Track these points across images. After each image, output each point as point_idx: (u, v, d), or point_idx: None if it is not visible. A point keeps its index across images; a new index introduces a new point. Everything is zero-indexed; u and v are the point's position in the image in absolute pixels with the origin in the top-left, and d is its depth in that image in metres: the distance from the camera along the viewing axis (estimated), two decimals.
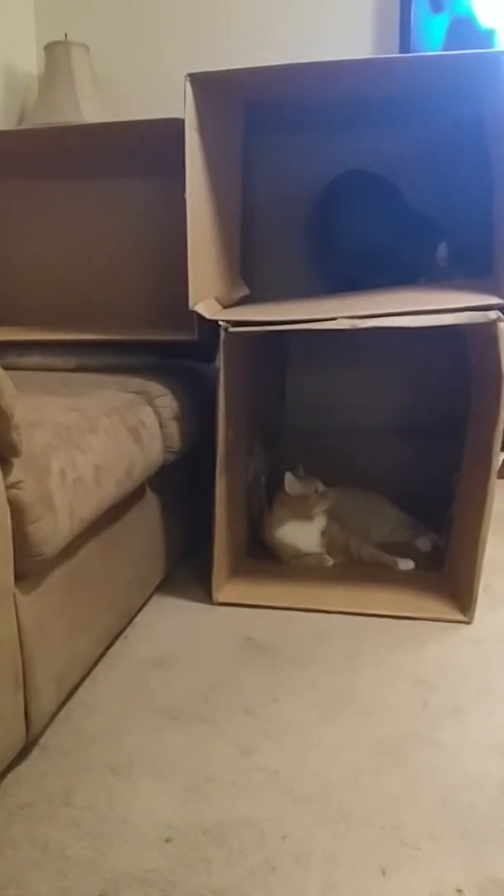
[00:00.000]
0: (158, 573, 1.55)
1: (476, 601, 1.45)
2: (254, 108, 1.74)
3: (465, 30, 2.30)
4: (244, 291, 1.79)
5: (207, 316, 1.48)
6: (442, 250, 1.77)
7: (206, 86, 1.48)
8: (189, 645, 1.40)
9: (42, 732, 1.10)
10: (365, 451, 1.96)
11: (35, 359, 1.67)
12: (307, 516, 1.69)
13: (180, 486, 1.65)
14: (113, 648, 1.36)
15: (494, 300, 1.38)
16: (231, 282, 1.74)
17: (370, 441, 1.97)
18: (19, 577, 0.98)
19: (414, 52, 2.31)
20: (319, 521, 1.71)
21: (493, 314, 1.34)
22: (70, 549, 1.11)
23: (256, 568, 1.70)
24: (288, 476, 1.69)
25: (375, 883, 0.85)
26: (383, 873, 0.86)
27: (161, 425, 1.45)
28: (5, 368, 0.95)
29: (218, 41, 2.45)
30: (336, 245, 1.86)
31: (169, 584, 1.61)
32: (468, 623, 1.45)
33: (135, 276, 1.92)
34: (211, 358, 1.58)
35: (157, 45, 2.51)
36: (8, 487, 0.95)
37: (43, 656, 1.04)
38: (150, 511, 1.50)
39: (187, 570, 1.70)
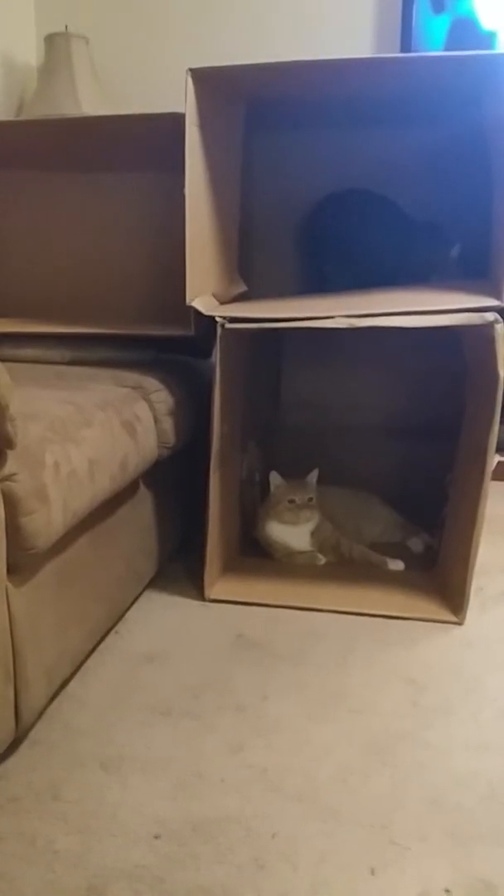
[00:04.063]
0: (151, 569, 1.55)
1: (468, 602, 1.45)
2: (254, 106, 1.73)
3: (466, 31, 2.30)
4: (241, 288, 1.78)
5: (204, 312, 1.48)
6: (455, 251, 1.78)
7: (207, 81, 1.47)
8: (180, 641, 1.40)
9: (32, 726, 1.09)
10: (359, 450, 1.95)
11: (30, 351, 1.66)
12: (291, 521, 1.69)
13: (174, 481, 1.64)
14: (104, 643, 1.36)
15: (492, 302, 1.38)
16: (229, 278, 1.73)
17: (364, 440, 1.97)
18: (11, 569, 0.98)
19: (415, 52, 2.31)
20: (309, 521, 1.70)
21: (489, 316, 1.34)
22: (63, 543, 1.11)
23: (249, 565, 1.70)
24: (273, 475, 1.70)
25: (364, 882, 0.85)
26: (372, 872, 0.87)
27: (156, 420, 1.45)
28: (0, 360, 0.95)
29: (219, 38, 2.44)
30: (333, 260, 1.86)
31: (161, 580, 1.61)
32: (459, 624, 1.45)
33: (132, 270, 1.91)
34: (207, 354, 1.58)
35: (158, 38, 2.50)
36: (2, 479, 0.95)
37: (34, 650, 1.03)
38: (143, 506, 1.50)
39: (180, 566, 1.69)
